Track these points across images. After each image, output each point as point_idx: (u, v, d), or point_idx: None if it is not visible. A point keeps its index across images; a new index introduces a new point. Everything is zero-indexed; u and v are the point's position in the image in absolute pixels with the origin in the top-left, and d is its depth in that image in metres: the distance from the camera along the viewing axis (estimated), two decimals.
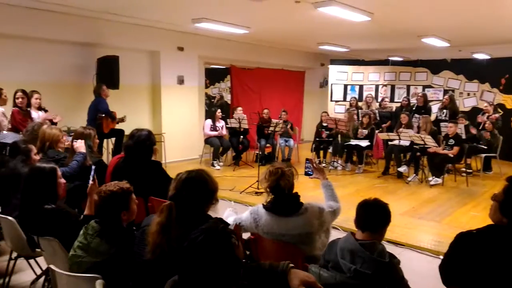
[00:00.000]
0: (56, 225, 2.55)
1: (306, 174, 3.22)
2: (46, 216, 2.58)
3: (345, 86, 11.47)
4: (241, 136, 8.56)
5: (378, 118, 9.28)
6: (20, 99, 5.51)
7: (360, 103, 10.17)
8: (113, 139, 7.20)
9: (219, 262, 1.31)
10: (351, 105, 10.03)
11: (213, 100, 12.08)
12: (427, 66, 10.67)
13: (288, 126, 8.76)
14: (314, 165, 3.16)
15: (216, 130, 8.38)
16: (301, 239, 2.54)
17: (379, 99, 10.46)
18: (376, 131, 8.34)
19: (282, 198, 2.59)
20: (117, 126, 7.00)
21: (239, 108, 8.77)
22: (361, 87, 11.37)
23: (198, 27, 7.58)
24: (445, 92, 10.20)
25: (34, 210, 2.62)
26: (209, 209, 2.07)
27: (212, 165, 8.25)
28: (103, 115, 6.68)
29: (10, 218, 2.95)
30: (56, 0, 5.97)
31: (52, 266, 2.23)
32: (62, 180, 2.86)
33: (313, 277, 1.58)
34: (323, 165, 8.51)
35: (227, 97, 11.71)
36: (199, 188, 2.01)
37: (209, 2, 6.00)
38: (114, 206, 2.24)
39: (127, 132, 5.38)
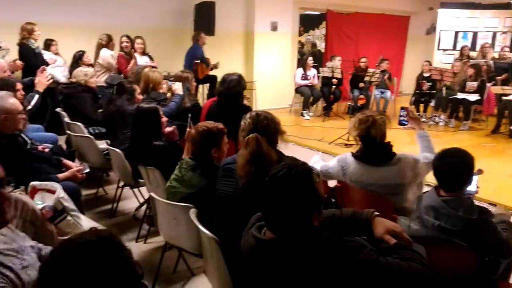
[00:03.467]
0: (160, 159, 2.84)
1: (400, 123, 3.03)
2: (154, 151, 2.88)
3: (456, 33, 10.20)
4: (333, 86, 8.26)
5: (493, 69, 8.17)
6: (124, 43, 5.94)
7: (472, 53, 9.03)
8: (207, 84, 7.47)
9: (299, 195, 1.30)
10: (462, 54, 8.95)
11: (303, 49, 11.65)
12: None
13: (386, 76, 8.20)
14: (410, 114, 2.96)
15: (307, 79, 8.20)
16: (391, 190, 2.44)
17: (497, 48, 9.16)
18: (489, 84, 7.40)
19: (372, 147, 2.47)
20: (211, 73, 7.21)
21: (338, 58, 8.36)
22: (475, 34, 10.03)
23: None
24: None
25: (143, 145, 2.93)
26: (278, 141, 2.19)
27: (302, 115, 8.18)
28: (199, 61, 6.92)
29: (117, 150, 3.28)
30: None
31: (152, 194, 2.47)
32: (164, 119, 3.10)
33: (400, 227, 1.49)
34: (423, 119, 7.90)
35: (321, 45, 11.26)
36: (269, 121, 2.14)
37: None
38: (206, 142, 2.37)
39: (220, 78, 5.52)
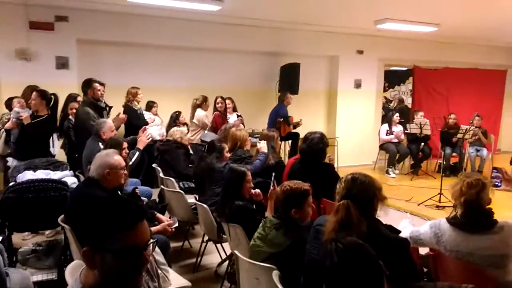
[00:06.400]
0: (242, 218, 2.92)
1: (494, 185, 2.77)
2: (236, 210, 2.97)
3: None
4: (422, 143, 7.87)
5: None
6: (220, 104, 6.40)
7: None
8: (289, 141, 7.61)
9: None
10: None
11: (389, 105, 11.43)
12: None
13: (480, 132, 7.62)
14: (505, 175, 2.70)
15: (393, 135, 7.94)
16: (493, 261, 2.21)
17: None
18: None
19: (475, 213, 2.28)
20: (294, 130, 7.37)
21: (420, 113, 8.08)
22: None
23: (380, 28, 7.33)
24: None
25: (229, 203, 3.04)
26: (378, 208, 2.07)
27: (387, 172, 7.85)
28: (282, 119, 7.15)
29: (204, 205, 3.44)
30: (249, 14, 6.70)
31: (236, 252, 2.51)
32: (250, 185, 3.20)
33: None
34: None
35: (408, 101, 10.94)
36: (367, 186, 2.05)
37: (395, 1, 5.74)
38: (288, 201, 2.39)
39: (302, 135, 5.61)
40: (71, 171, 4.10)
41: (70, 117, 5.10)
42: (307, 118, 7.64)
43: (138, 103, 6.07)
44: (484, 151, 7.61)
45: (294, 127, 7.39)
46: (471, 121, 7.79)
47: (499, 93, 10.65)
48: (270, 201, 3.02)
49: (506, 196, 4.56)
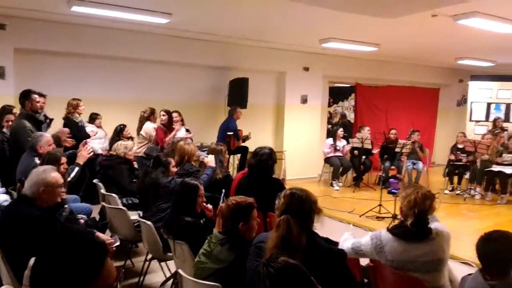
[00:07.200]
0: (190, 235, 2.85)
1: (389, 192, 2.96)
2: (184, 227, 2.91)
3: (488, 105, 10.17)
4: (364, 157, 8.25)
5: None
6: (161, 117, 6.31)
7: (506, 124, 8.89)
8: (239, 155, 7.66)
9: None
10: (495, 125, 8.84)
11: (332, 120, 11.88)
12: None
13: (417, 146, 8.13)
14: (403, 183, 2.91)
15: (337, 150, 8.25)
16: (431, 266, 2.34)
17: None
18: None
19: (422, 223, 2.41)
20: (243, 144, 7.42)
21: (367, 128, 8.48)
22: (508, 105, 9.95)
23: (325, 46, 7.64)
24: None
25: (177, 219, 2.96)
26: (314, 220, 2.14)
27: (331, 185, 8.11)
28: (231, 133, 7.18)
29: (148, 222, 3.34)
30: (197, 29, 6.70)
31: (180, 271, 2.46)
32: (202, 199, 3.15)
33: None
34: (458, 192, 7.64)
35: (351, 116, 11.45)
36: (304, 200, 2.11)
37: (338, 22, 6.01)
38: (235, 216, 2.39)
39: (251, 149, 5.67)
40: (3, 188, 3.83)
41: (5, 130, 4.79)
42: (256, 132, 7.74)
43: (79, 115, 5.83)
44: (420, 164, 8.10)
45: (243, 141, 7.44)
46: (407, 136, 8.29)
47: (433, 110, 11.49)
48: (219, 217, 3.00)
49: None
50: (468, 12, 5.02)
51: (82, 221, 3.12)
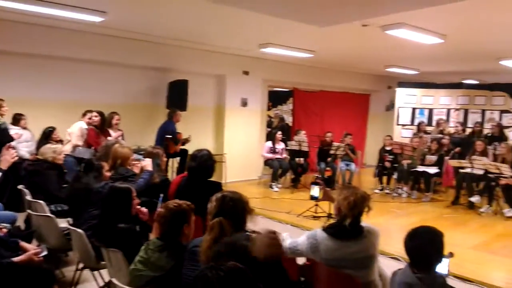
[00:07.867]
0: (125, 242, 2.72)
1: (312, 198, 3.11)
2: (119, 233, 2.78)
3: (413, 110, 10.99)
4: (301, 159, 8.50)
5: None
6: (94, 118, 6.06)
7: (429, 128, 9.66)
8: (178, 158, 7.52)
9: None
10: (419, 129, 9.56)
11: (272, 120, 12.12)
12: (505, 89, 9.88)
13: (348, 149, 8.55)
14: (324, 188, 3.07)
15: (276, 152, 8.42)
16: (362, 263, 2.45)
17: (452, 124, 9.87)
18: (446, 158, 7.84)
19: (353, 222, 2.50)
20: (182, 147, 7.30)
21: (303, 132, 8.75)
22: (430, 110, 10.82)
23: (264, 51, 7.77)
24: None
25: (110, 226, 2.83)
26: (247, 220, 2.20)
27: (271, 186, 8.26)
28: (170, 136, 7.03)
29: (79, 230, 3.15)
30: (134, 28, 6.50)
31: (114, 280, 2.35)
32: (136, 201, 3.03)
33: None
34: (387, 191, 8.15)
35: (289, 119, 11.75)
36: (236, 201, 2.16)
37: (276, 28, 6.15)
38: (177, 219, 2.36)
39: (190, 152, 5.59)
40: None
41: None
42: (196, 134, 7.64)
43: (2, 117, 5.39)
44: (353, 166, 8.53)
45: (183, 144, 7.31)
46: (341, 139, 8.69)
47: (364, 114, 12.18)
48: (156, 222, 2.92)
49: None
50: (396, 23, 5.39)
51: (4, 230, 2.88)
